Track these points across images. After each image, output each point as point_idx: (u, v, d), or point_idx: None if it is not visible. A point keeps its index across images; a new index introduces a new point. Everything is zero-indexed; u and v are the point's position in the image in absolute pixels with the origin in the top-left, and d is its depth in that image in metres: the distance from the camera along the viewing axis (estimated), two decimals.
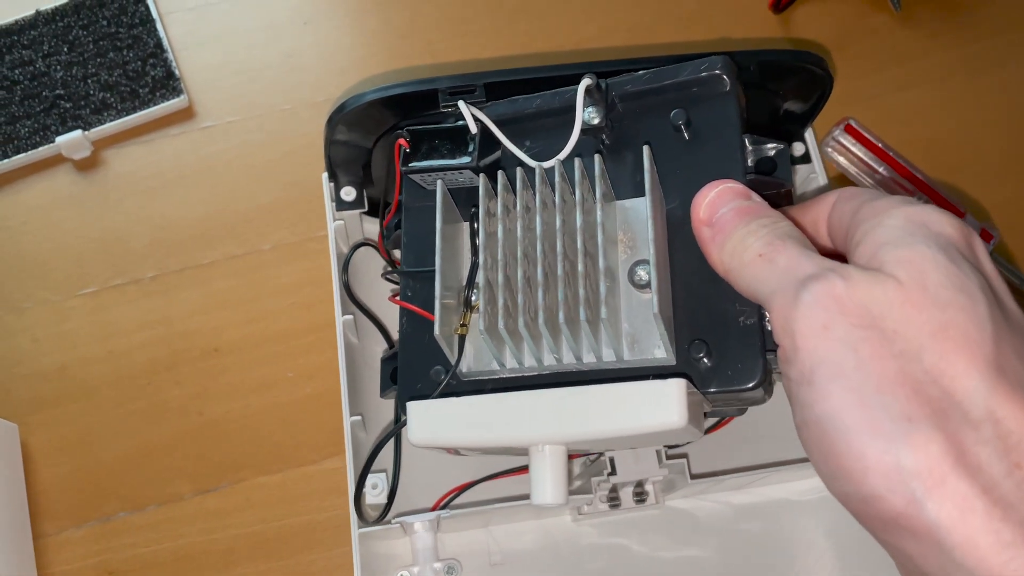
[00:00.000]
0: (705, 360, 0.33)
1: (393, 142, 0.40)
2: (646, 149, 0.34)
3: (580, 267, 0.33)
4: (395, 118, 0.43)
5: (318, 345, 0.52)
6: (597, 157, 0.34)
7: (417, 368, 0.37)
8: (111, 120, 0.58)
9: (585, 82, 0.36)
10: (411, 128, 0.39)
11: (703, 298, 0.34)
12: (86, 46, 0.60)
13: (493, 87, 0.41)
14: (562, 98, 0.37)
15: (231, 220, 0.56)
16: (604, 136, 0.37)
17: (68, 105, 0.58)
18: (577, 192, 0.34)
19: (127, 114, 0.58)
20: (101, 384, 0.52)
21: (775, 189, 0.34)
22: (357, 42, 0.62)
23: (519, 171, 0.35)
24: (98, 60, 0.59)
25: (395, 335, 0.47)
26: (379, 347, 0.49)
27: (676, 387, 0.32)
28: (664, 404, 0.32)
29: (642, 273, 0.34)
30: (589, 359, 0.34)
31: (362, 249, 0.49)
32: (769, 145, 0.35)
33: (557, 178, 0.34)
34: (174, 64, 0.59)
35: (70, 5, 0.61)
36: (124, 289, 0.54)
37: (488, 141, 0.38)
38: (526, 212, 0.35)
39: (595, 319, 0.33)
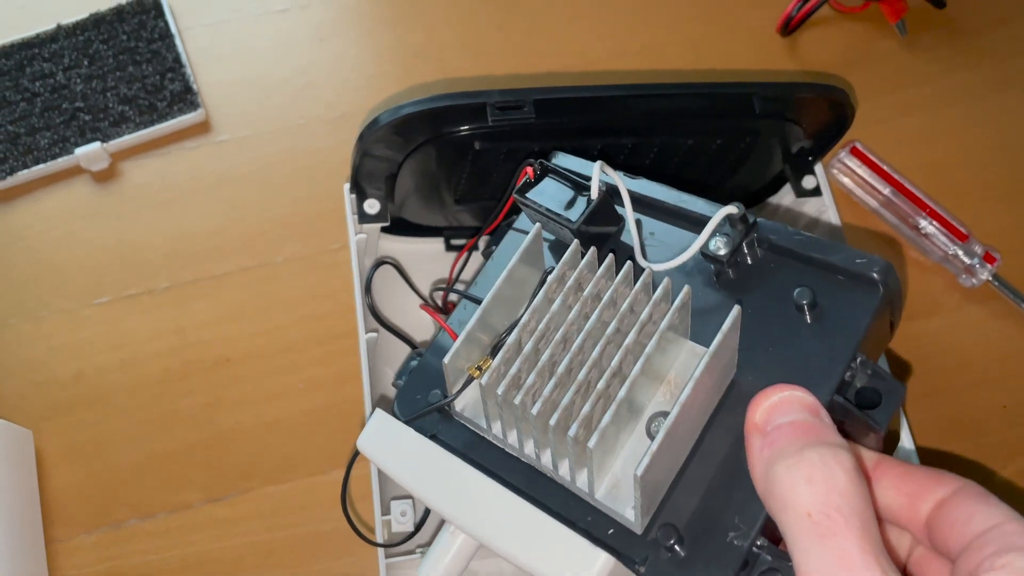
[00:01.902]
0: (676, 548, 0.29)
1: (425, 158, 0.39)
2: (736, 309, 0.30)
3: (601, 383, 0.30)
4: (429, 133, 0.43)
5: (328, 357, 0.53)
6: (686, 288, 0.31)
7: (425, 382, 0.37)
8: (129, 133, 0.59)
9: (727, 210, 0.32)
10: (543, 163, 0.37)
11: (711, 488, 0.30)
12: (106, 60, 0.61)
13: (543, 104, 0.40)
14: (706, 208, 0.35)
15: (245, 233, 0.57)
16: (729, 270, 0.33)
17: (87, 117, 0.59)
18: (646, 311, 0.31)
19: (145, 127, 0.59)
20: (115, 392, 0.53)
21: (864, 429, 0.30)
22: (371, 60, 0.63)
23: (611, 257, 0.33)
24: (117, 74, 0.61)
25: (419, 343, 0.47)
26: (396, 365, 0.49)
27: (601, 562, 0.29)
28: (580, 570, 0.29)
29: (657, 426, 0.31)
30: (564, 474, 0.31)
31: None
32: (883, 378, 0.30)
33: (638, 284, 0.32)
34: (192, 79, 0.61)
35: (90, 19, 0.62)
36: (139, 299, 0.55)
37: (607, 212, 0.36)
38: (594, 299, 0.32)
39: (582, 442, 0.29)
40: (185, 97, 0.60)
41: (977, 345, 0.53)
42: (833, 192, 0.52)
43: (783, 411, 0.27)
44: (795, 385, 0.28)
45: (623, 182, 0.35)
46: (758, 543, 0.28)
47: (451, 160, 0.45)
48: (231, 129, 0.60)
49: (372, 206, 0.48)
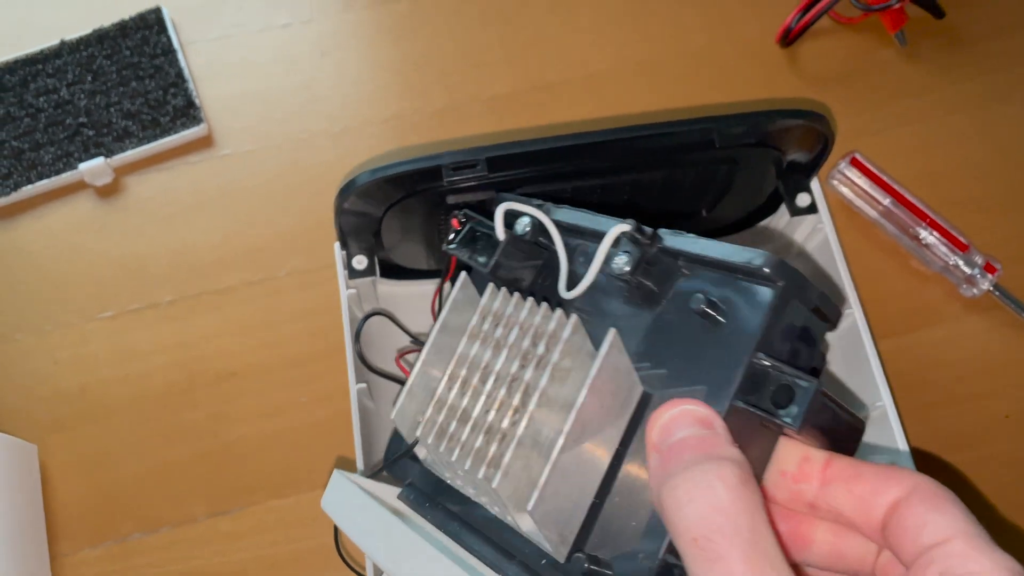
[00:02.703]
0: (596, 571, 0.29)
1: (406, 211, 0.40)
2: (611, 332, 0.29)
3: (505, 423, 0.30)
4: (403, 191, 0.44)
5: (331, 371, 0.53)
6: (573, 317, 0.30)
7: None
8: (132, 147, 0.59)
9: (618, 228, 0.32)
10: (468, 212, 0.38)
11: (624, 512, 0.30)
12: (109, 75, 0.62)
13: (495, 161, 0.41)
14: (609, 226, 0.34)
15: (248, 246, 0.57)
16: (648, 283, 0.32)
17: (91, 132, 0.60)
18: (541, 344, 0.31)
19: (148, 142, 0.59)
20: (119, 406, 0.53)
21: (775, 427, 0.28)
22: (373, 73, 0.64)
23: (516, 295, 0.33)
24: (120, 89, 0.61)
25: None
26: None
27: None
28: None
29: None
30: (498, 511, 0.32)
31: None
32: (797, 378, 0.27)
33: (538, 318, 0.31)
34: (194, 93, 0.61)
35: (94, 35, 0.63)
36: (143, 313, 0.55)
37: (525, 249, 0.36)
38: (505, 339, 0.32)
39: (489, 480, 0.30)
40: (188, 112, 0.60)
41: (978, 355, 0.53)
42: (832, 204, 0.52)
43: (677, 427, 0.26)
44: (689, 398, 0.27)
45: (542, 214, 0.35)
46: (672, 560, 0.28)
47: (428, 213, 0.46)
48: (234, 143, 0.61)
49: (360, 262, 0.49)
